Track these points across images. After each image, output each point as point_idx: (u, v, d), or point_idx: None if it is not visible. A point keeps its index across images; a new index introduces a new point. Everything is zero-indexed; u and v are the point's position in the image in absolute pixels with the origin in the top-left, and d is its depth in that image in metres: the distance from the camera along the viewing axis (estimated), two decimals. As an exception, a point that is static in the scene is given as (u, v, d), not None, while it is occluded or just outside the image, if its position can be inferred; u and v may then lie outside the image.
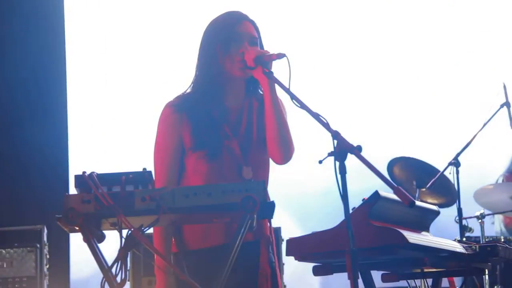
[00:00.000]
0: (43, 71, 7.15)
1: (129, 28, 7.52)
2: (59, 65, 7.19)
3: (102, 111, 7.40)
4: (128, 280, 5.34)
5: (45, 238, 5.77)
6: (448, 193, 5.93)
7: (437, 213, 3.50)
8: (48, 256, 5.79)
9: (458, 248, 3.38)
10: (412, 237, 3.02)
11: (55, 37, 7.23)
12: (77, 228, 2.75)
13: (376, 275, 3.42)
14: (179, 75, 6.75)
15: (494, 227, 6.90)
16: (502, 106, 6.07)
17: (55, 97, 7.19)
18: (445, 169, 5.79)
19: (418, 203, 3.38)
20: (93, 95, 7.39)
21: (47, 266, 5.77)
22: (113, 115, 7.39)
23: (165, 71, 7.31)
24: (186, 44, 7.36)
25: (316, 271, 3.31)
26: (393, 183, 2.74)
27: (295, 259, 3.21)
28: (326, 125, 2.88)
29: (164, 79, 7.17)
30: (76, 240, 6.57)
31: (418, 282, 5.53)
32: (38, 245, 5.68)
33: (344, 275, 3.36)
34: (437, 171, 5.85)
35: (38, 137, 7.00)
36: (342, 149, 2.81)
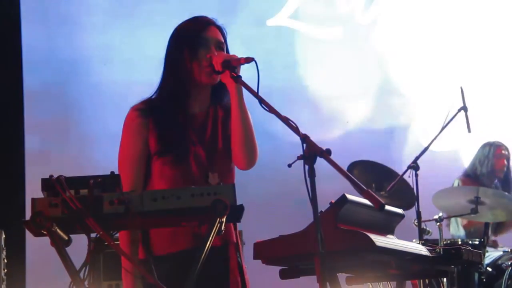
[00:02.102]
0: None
1: (86, 28, 7.46)
2: (14, 62, 7.12)
3: (60, 114, 7.32)
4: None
5: (2, 243, 5.68)
6: (407, 196, 5.97)
7: (402, 216, 3.53)
8: (5, 261, 5.71)
9: (423, 251, 3.41)
10: (379, 240, 3.04)
11: (11, 35, 7.17)
12: (44, 232, 2.71)
13: (341, 278, 3.44)
14: (134, 81, 6.77)
15: (451, 229, 6.97)
16: (459, 110, 6.14)
17: (11, 98, 7.10)
18: (404, 173, 5.83)
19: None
20: (50, 96, 7.31)
21: (5, 271, 5.69)
22: (72, 117, 7.33)
23: (122, 73, 7.27)
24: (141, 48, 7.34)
25: (283, 275, 3.32)
26: (363, 187, 2.76)
27: (263, 262, 3.21)
28: (295, 129, 2.89)
29: (123, 82, 7.13)
30: (32, 245, 6.54)
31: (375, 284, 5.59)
32: (-4, 250, 5.60)
33: (306, 278, 3.39)
34: (396, 174, 5.89)
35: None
36: (311, 153, 2.82)
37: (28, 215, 2.74)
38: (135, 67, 7.28)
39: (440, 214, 6.11)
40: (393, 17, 8.02)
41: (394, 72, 7.97)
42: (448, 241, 6.29)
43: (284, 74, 7.67)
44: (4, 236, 5.71)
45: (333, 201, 3.14)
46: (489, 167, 6.97)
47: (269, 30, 7.81)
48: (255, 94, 3.02)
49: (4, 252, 5.71)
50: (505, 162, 7.00)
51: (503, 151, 7.02)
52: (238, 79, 3.14)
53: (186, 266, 2.81)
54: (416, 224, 5.80)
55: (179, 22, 3.46)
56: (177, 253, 3.22)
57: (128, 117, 3.35)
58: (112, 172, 2.88)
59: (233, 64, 3.16)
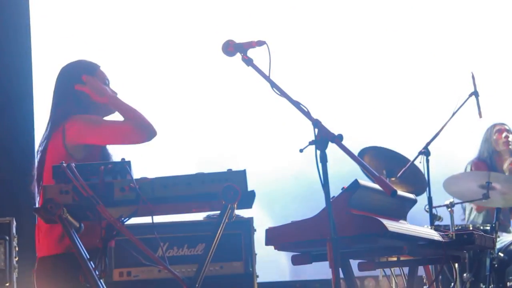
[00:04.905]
0: (9, 64, 7.06)
1: (94, 24, 7.46)
2: (25, 58, 7.12)
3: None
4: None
5: (14, 231, 5.68)
6: (418, 182, 5.94)
7: (414, 201, 3.52)
8: (17, 249, 5.71)
9: (436, 236, 3.40)
10: (392, 225, 3.02)
11: (21, 32, 7.16)
12: (55, 219, 2.70)
13: (353, 264, 3.42)
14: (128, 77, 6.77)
15: (466, 216, 6.93)
16: (470, 95, 6.09)
17: (22, 91, 7.11)
18: (415, 159, 5.79)
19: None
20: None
21: (16, 259, 5.69)
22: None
23: (124, 70, 7.27)
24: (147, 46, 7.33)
25: (295, 261, 3.30)
26: (375, 172, 2.73)
27: (275, 248, 3.20)
28: (306, 114, 2.87)
29: (127, 79, 7.15)
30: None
31: (387, 270, 5.58)
32: (7, 238, 5.58)
33: (317, 263, 3.37)
34: (407, 160, 5.85)
35: (5, 130, 6.92)
36: (323, 138, 2.79)
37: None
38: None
39: (452, 199, 6.07)
40: (404, 10, 7.99)
41: (406, 57, 7.94)
42: (460, 227, 6.26)
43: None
44: (15, 224, 5.71)
45: (345, 187, 3.12)
46: (492, 147, 6.92)
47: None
48: (267, 78, 2.98)
49: (16, 240, 5.71)
50: (506, 133, 6.93)
51: (503, 126, 6.97)
52: (249, 62, 3.10)
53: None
54: (427, 209, 5.77)
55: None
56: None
57: None
58: (123, 159, 2.87)
59: (244, 47, 3.12)
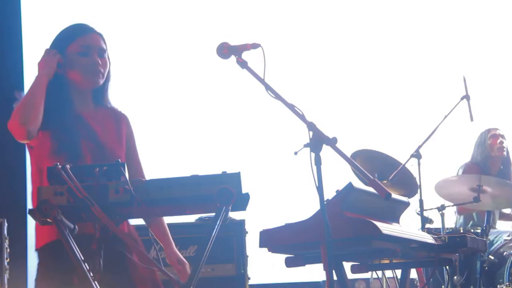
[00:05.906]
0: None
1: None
2: (17, 57, 7.11)
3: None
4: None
5: (5, 232, 5.67)
6: (409, 185, 5.95)
7: (408, 204, 3.53)
8: (8, 250, 5.70)
9: (429, 239, 3.41)
10: (385, 228, 3.03)
11: (12, 30, 7.15)
12: (50, 220, 2.70)
13: (345, 266, 3.43)
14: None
15: (456, 219, 6.96)
16: (462, 99, 6.11)
17: (11, 90, 7.08)
18: (406, 162, 5.81)
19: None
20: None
21: (8, 260, 5.68)
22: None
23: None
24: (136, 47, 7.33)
25: (289, 263, 3.31)
26: (369, 176, 2.74)
27: (269, 250, 3.20)
28: (301, 116, 2.87)
29: (123, 80, 7.13)
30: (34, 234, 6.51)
31: (379, 272, 5.60)
32: (-1, 239, 5.59)
33: (312, 266, 3.38)
34: (398, 163, 5.87)
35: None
36: (318, 140, 2.80)
37: (30, 204, 2.72)
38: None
39: (443, 202, 6.09)
40: (395, 11, 8.01)
41: (397, 60, 7.96)
42: (450, 230, 6.27)
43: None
44: (6, 225, 5.70)
45: (339, 189, 3.13)
46: (486, 152, 6.96)
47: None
48: (261, 81, 2.99)
49: (7, 242, 5.69)
50: (501, 139, 6.97)
51: (497, 132, 7.01)
52: (244, 65, 3.10)
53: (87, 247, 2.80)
54: (419, 212, 5.79)
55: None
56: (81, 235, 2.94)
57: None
58: (118, 161, 2.87)
59: (239, 50, 3.12)
